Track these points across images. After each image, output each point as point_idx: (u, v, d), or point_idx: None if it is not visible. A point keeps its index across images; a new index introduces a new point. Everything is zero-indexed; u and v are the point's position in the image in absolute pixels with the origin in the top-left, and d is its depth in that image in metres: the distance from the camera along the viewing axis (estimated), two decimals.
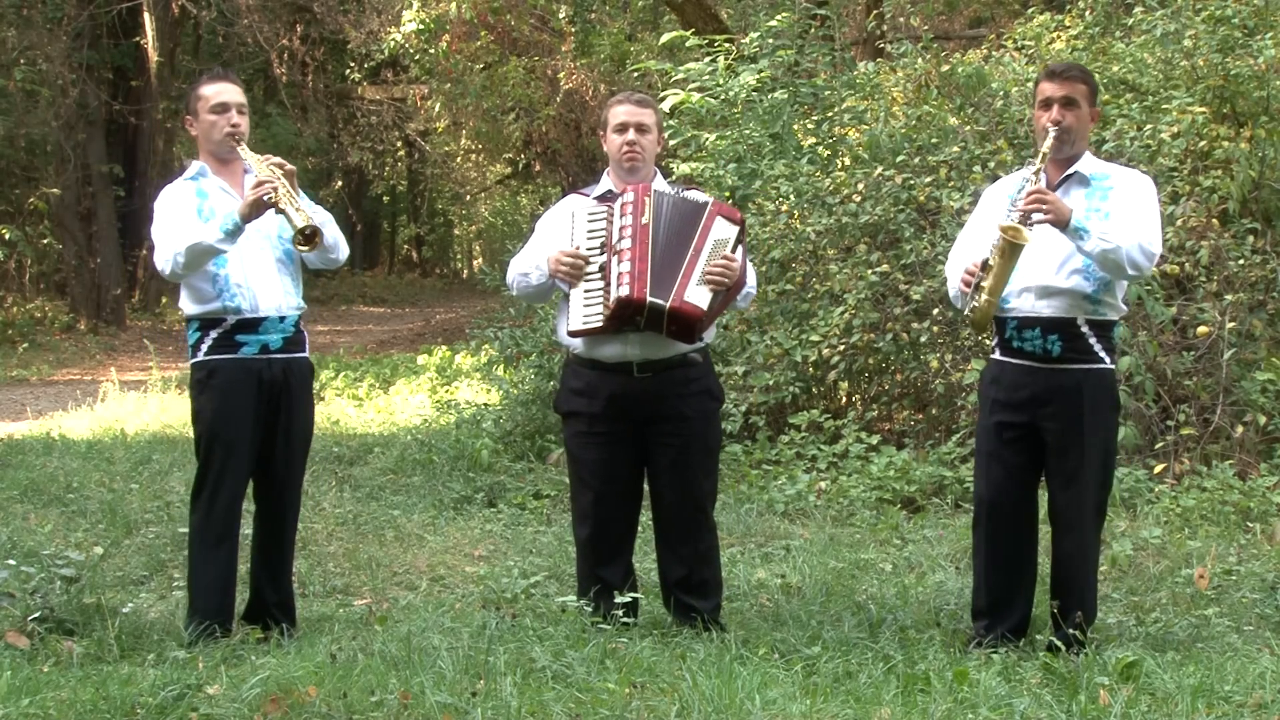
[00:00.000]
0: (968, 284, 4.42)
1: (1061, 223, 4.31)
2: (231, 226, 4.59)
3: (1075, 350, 4.44)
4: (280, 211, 4.60)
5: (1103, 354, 4.47)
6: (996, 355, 4.60)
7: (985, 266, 4.36)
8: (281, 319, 4.78)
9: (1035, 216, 4.31)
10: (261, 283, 4.73)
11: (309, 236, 4.57)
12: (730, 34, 11.34)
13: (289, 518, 4.97)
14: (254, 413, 4.74)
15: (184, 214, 4.70)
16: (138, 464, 8.63)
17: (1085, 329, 4.44)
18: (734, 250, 4.58)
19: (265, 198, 4.57)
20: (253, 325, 4.73)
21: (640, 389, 4.64)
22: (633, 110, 4.76)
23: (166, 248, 4.66)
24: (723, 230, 4.59)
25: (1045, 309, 4.44)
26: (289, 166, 4.73)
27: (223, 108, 4.76)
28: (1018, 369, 4.50)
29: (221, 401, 4.73)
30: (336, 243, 4.88)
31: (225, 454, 4.75)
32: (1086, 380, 4.44)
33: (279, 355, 4.78)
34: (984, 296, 4.35)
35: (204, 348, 4.74)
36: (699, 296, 4.52)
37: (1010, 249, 4.29)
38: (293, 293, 4.83)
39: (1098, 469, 4.50)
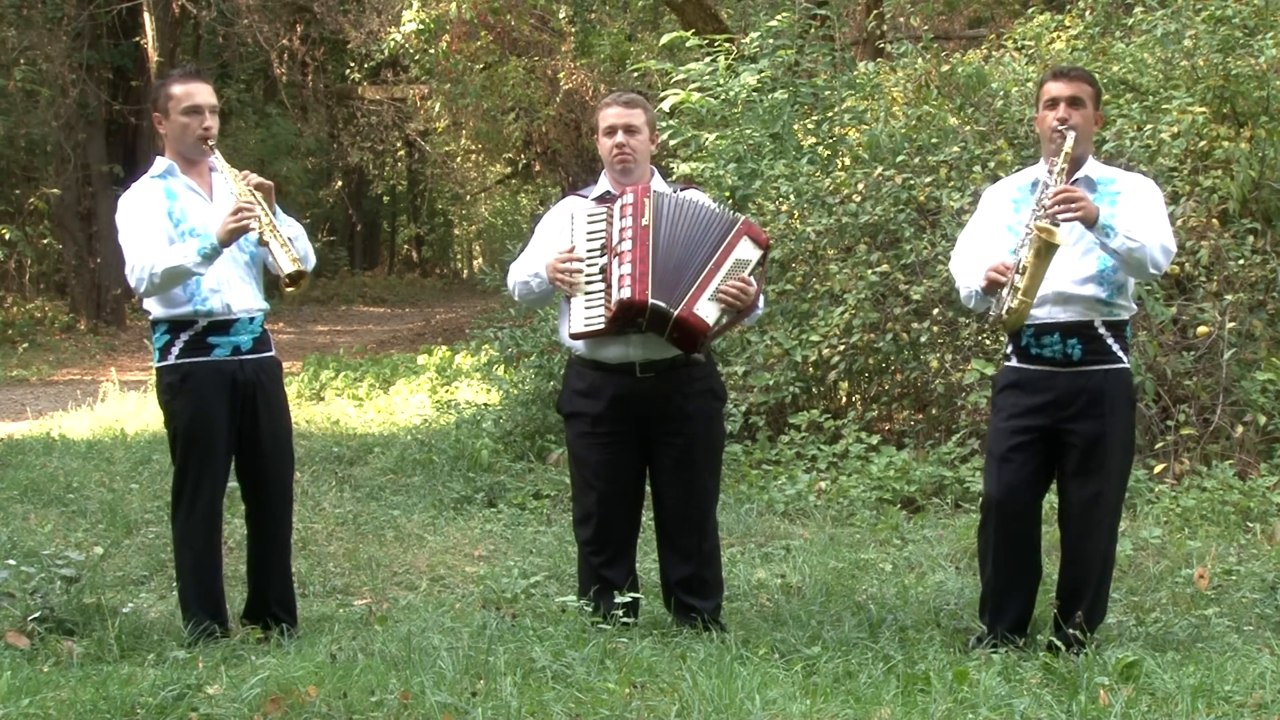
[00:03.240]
0: (995, 284, 4.37)
1: (1090, 220, 4.31)
2: (209, 250, 4.53)
3: (1095, 352, 4.45)
4: (264, 244, 4.56)
5: (1120, 353, 4.49)
6: (1013, 362, 4.58)
7: (1019, 268, 4.31)
8: (251, 320, 4.76)
9: (1064, 215, 4.29)
10: (234, 285, 4.70)
11: (295, 279, 4.54)
12: (730, 34, 11.33)
13: (283, 516, 4.96)
14: (229, 414, 4.71)
15: (155, 224, 4.62)
16: (138, 464, 8.63)
17: (1103, 330, 4.46)
18: (753, 273, 4.58)
19: (249, 226, 4.52)
20: (225, 327, 4.69)
21: (643, 389, 4.64)
22: (620, 112, 4.75)
23: (140, 264, 4.55)
24: (746, 251, 4.58)
25: (1062, 315, 4.44)
26: (267, 185, 4.67)
27: (195, 110, 4.68)
28: (1038, 374, 4.49)
29: (197, 405, 4.68)
30: (306, 254, 4.83)
31: (203, 457, 4.71)
32: (1108, 380, 4.46)
33: (250, 356, 4.75)
34: (1019, 297, 4.29)
35: (174, 351, 4.68)
36: (708, 311, 4.52)
37: (1046, 249, 4.25)
38: (259, 294, 4.81)
39: (1119, 468, 4.52)
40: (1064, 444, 4.50)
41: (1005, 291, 4.33)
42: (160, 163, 4.79)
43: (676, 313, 4.47)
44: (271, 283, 4.88)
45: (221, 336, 4.69)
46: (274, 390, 4.87)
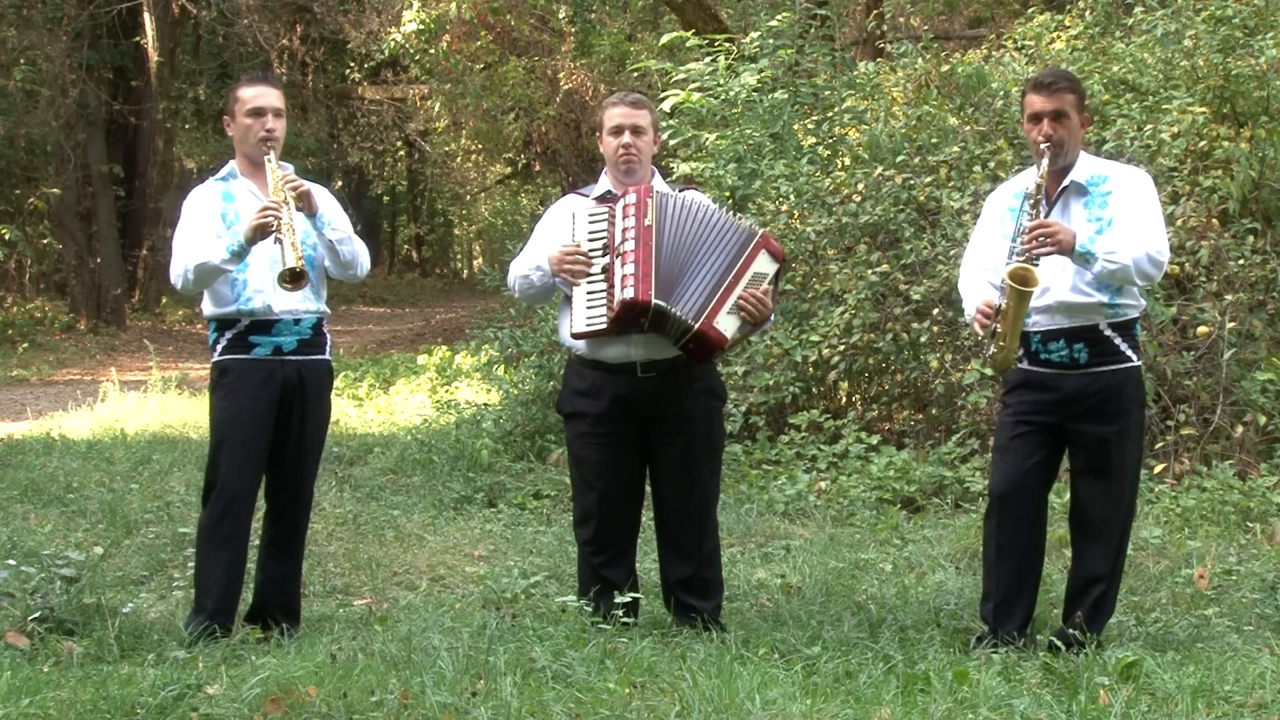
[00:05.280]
0: (984, 326, 4.43)
1: (1067, 249, 4.33)
2: (237, 248, 4.63)
3: (1102, 353, 4.45)
4: (277, 242, 4.59)
5: (1129, 352, 4.49)
6: (1023, 365, 4.57)
7: (999, 313, 4.35)
8: (297, 322, 4.79)
9: (1041, 251, 4.31)
10: (279, 287, 4.70)
11: (293, 277, 4.55)
12: (730, 34, 11.33)
13: (300, 518, 4.97)
14: (264, 413, 4.75)
15: (203, 225, 4.73)
16: (138, 464, 8.63)
17: (1109, 332, 4.46)
18: (769, 286, 4.60)
19: (270, 225, 4.57)
20: (266, 327, 4.75)
21: (644, 389, 4.64)
22: (627, 112, 4.75)
23: (179, 262, 4.71)
24: (764, 264, 4.60)
25: (1066, 321, 4.46)
26: (304, 188, 4.71)
27: (258, 112, 4.76)
28: (1047, 375, 4.50)
29: (231, 401, 4.76)
30: (355, 258, 4.88)
31: (233, 452, 4.76)
32: (1115, 380, 4.46)
33: (293, 357, 4.79)
34: (1000, 344, 4.36)
35: (220, 347, 4.79)
36: (727, 324, 4.53)
37: (1019, 296, 4.30)
38: (311, 297, 4.81)
39: (1131, 467, 4.53)
40: (1073, 443, 4.51)
41: (989, 337, 4.40)
42: (227, 165, 4.91)
43: (697, 326, 4.47)
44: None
45: (263, 336, 4.75)
46: (317, 395, 4.90)
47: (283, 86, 5.06)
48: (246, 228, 4.62)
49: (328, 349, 4.94)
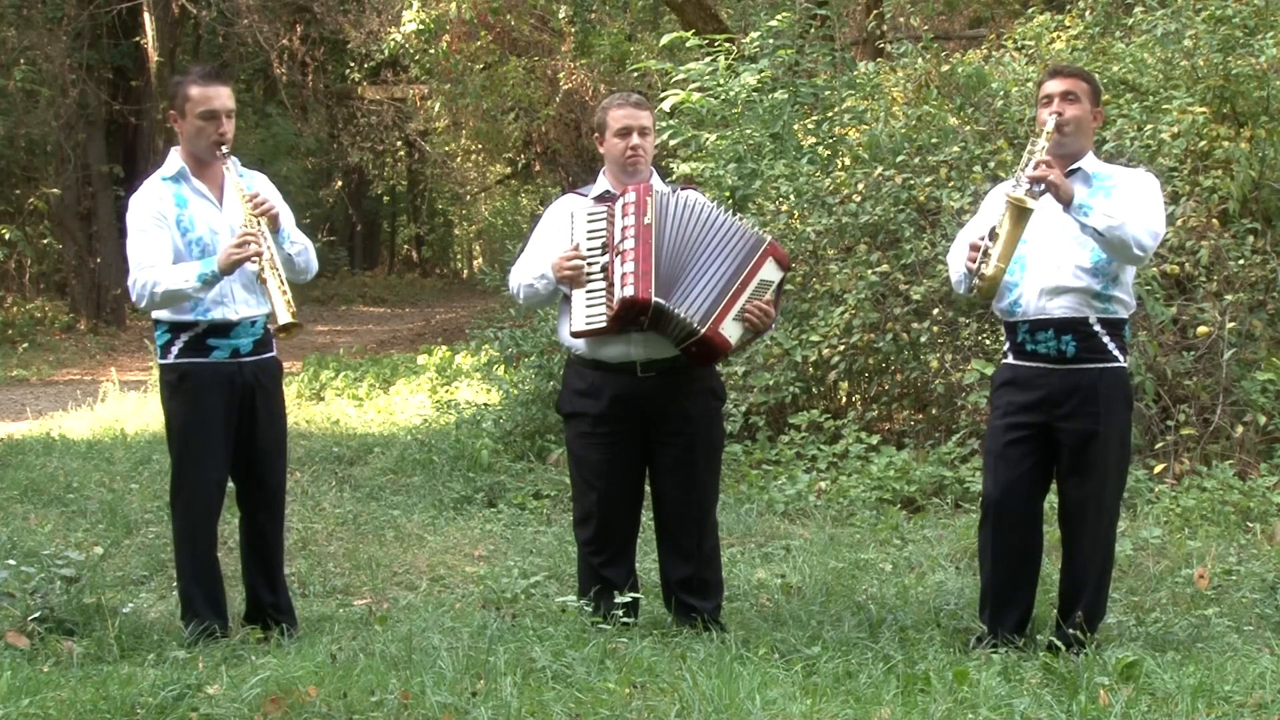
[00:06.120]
0: (974, 258, 4.42)
1: (1065, 198, 4.33)
2: (209, 276, 4.54)
3: (1090, 350, 4.45)
4: (261, 281, 4.54)
5: (1116, 352, 4.49)
6: (1009, 360, 4.60)
7: (993, 235, 4.37)
8: (253, 323, 4.75)
9: (1048, 179, 4.32)
10: (237, 294, 4.68)
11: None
12: (730, 34, 11.33)
13: (276, 518, 4.95)
14: (225, 417, 4.70)
15: (161, 235, 4.60)
16: (138, 464, 8.63)
17: (1098, 328, 4.46)
18: (774, 294, 4.61)
19: (250, 260, 4.51)
20: (225, 330, 4.68)
21: (644, 389, 4.64)
22: (633, 113, 4.76)
23: (142, 280, 4.56)
24: (770, 273, 4.61)
25: (1057, 310, 4.45)
26: (273, 210, 4.64)
27: (211, 115, 4.63)
28: (1032, 370, 4.51)
29: (193, 406, 4.68)
30: (309, 263, 4.88)
31: (198, 458, 4.71)
32: (1102, 379, 4.46)
33: (249, 359, 4.74)
34: (993, 263, 4.35)
35: (174, 351, 4.68)
36: (732, 331, 4.55)
37: (1018, 214, 4.30)
38: (262, 298, 4.74)
39: (1115, 467, 4.53)
40: (1058, 442, 4.51)
41: (980, 257, 4.39)
42: (173, 161, 4.76)
43: (704, 331, 4.48)
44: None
45: (221, 339, 4.69)
46: (272, 393, 4.86)
47: (232, 82, 4.90)
48: (223, 258, 4.52)
49: (275, 346, 4.89)
